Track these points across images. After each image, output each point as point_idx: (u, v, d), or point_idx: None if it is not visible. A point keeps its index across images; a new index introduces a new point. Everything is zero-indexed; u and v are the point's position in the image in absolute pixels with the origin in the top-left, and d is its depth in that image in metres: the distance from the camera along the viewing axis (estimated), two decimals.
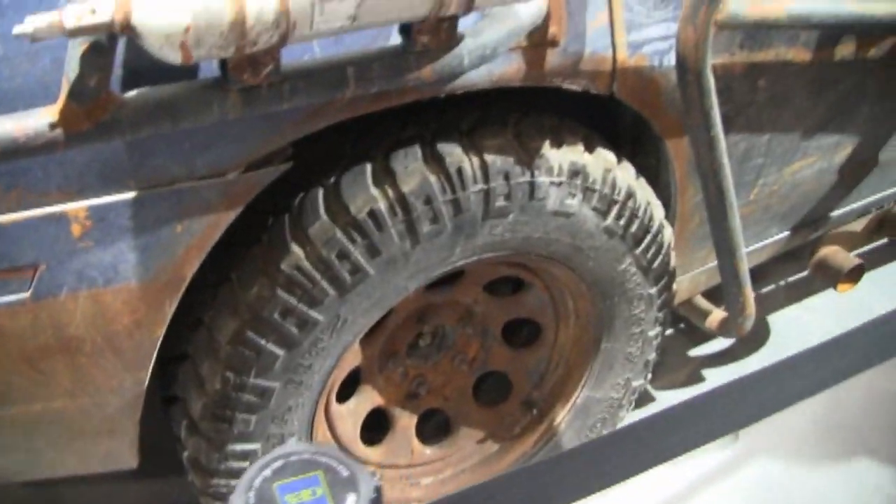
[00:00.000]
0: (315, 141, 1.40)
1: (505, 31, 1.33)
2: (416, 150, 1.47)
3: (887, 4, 1.65)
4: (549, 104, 1.62)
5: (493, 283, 1.80)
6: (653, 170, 1.77)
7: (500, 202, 1.51)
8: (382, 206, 1.45)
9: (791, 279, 2.54)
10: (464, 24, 1.28)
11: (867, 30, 1.74)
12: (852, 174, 2.05)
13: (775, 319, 2.44)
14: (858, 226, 2.27)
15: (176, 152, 1.28)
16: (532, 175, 1.52)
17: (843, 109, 1.88)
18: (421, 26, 1.23)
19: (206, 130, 1.27)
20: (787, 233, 2.08)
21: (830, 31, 1.73)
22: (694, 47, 1.44)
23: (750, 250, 2.01)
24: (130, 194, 1.28)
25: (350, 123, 1.40)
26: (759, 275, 2.40)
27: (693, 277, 1.97)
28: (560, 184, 1.55)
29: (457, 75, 1.32)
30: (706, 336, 2.33)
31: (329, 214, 1.45)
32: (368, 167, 1.47)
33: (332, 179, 1.47)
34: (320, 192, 1.47)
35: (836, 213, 2.13)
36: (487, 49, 1.31)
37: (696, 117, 1.52)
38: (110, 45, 1.08)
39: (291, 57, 1.21)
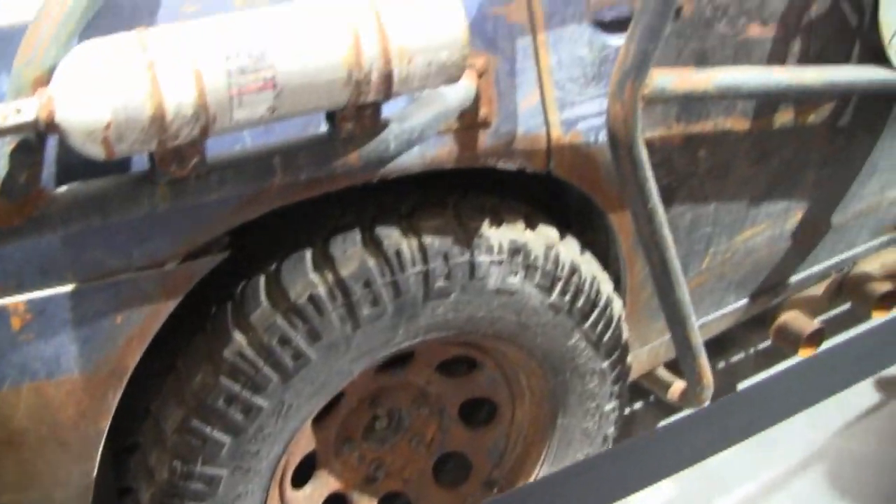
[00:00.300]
0: (258, 228, 1.43)
1: (432, 114, 1.36)
2: (356, 235, 1.50)
3: (817, 72, 1.68)
4: (496, 181, 1.65)
5: (448, 363, 1.81)
6: (602, 243, 1.80)
7: (441, 283, 1.53)
8: (322, 290, 1.47)
9: (759, 347, 2.55)
10: (392, 108, 1.31)
11: (801, 97, 1.78)
12: (806, 239, 2.07)
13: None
14: (819, 290, 2.29)
15: (113, 244, 1.31)
16: (472, 255, 1.54)
17: (788, 176, 1.91)
18: (344, 113, 1.27)
19: (141, 222, 1.30)
20: (745, 300, 2.10)
21: (767, 100, 1.77)
22: (623, 122, 1.48)
23: (709, 319, 2.03)
24: (69, 287, 1.30)
25: (292, 210, 1.43)
26: (726, 343, 2.42)
27: (651, 349, 1.98)
28: (501, 262, 1.57)
29: (384, 160, 1.35)
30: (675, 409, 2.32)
31: (270, 301, 1.47)
32: (309, 253, 1.49)
33: (274, 266, 1.50)
34: (262, 279, 1.49)
35: (794, 278, 2.15)
36: (414, 133, 1.34)
37: (631, 191, 1.55)
38: (39, 142, 1.12)
39: (223, 147, 1.24)
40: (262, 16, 1.18)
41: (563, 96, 1.53)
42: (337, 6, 1.20)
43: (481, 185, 1.66)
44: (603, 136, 1.58)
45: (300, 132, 1.34)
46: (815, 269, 2.19)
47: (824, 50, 1.80)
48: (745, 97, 1.69)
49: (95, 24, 1.16)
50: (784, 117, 1.82)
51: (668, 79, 1.51)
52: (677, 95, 1.53)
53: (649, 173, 1.54)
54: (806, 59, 1.78)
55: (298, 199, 1.40)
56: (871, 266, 2.23)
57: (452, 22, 1.23)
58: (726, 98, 1.66)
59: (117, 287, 1.34)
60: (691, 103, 1.67)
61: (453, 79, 1.27)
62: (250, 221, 1.39)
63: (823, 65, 1.77)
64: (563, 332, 1.70)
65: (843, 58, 1.83)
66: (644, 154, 1.52)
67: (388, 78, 1.22)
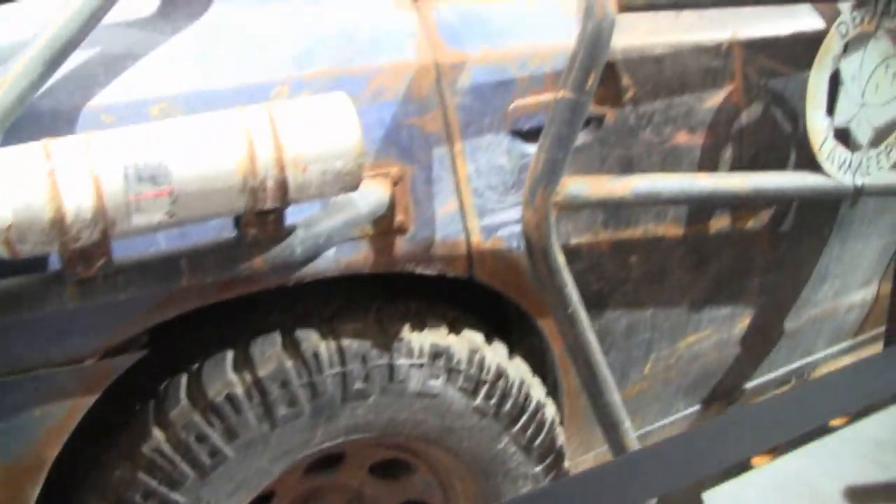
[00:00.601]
0: (189, 328, 1.49)
1: (340, 221, 1.42)
2: (276, 337, 1.54)
3: (743, 178, 1.72)
4: (437, 285, 1.69)
5: (384, 465, 1.82)
6: (538, 348, 1.82)
7: (359, 385, 1.56)
8: (239, 390, 1.51)
9: None
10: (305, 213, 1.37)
11: (735, 203, 1.81)
12: (758, 345, 2.08)
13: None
14: None
15: (32, 341, 1.36)
16: (391, 357, 1.58)
17: (730, 282, 1.93)
18: (246, 219, 1.32)
19: (59, 319, 1.35)
20: (697, 407, 2.10)
21: (700, 206, 1.81)
22: (536, 229, 1.52)
23: (657, 426, 2.03)
24: None
25: (220, 310, 1.49)
26: None
27: (597, 456, 1.99)
28: (421, 365, 1.60)
29: (291, 265, 1.40)
30: None
31: (189, 399, 1.51)
32: (230, 353, 1.54)
33: (197, 365, 1.54)
34: (184, 378, 1.54)
35: (749, 384, 2.15)
36: (321, 238, 1.40)
37: (550, 296, 1.59)
38: None
39: (136, 249, 1.30)
40: (162, 126, 1.25)
41: (483, 203, 1.58)
42: (234, 116, 1.26)
43: (420, 287, 1.69)
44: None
45: (216, 235, 1.40)
46: (772, 375, 2.19)
47: (758, 157, 1.84)
48: (667, 204, 1.72)
49: (16, 130, 1.23)
50: (721, 223, 1.86)
51: (581, 186, 1.55)
52: (592, 202, 1.58)
53: (568, 279, 1.58)
54: (739, 165, 1.82)
55: (214, 300, 1.45)
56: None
57: (347, 132, 1.29)
58: (645, 205, 1.70)
59: (36, 382, 1.39)
60: (620, 210, 1.71)
61: (351, 187, 1.33)
62: (181, 320, 1.44)
63: (757, 171, 1.80)
64: (490, 436, 1.72)
65: (779, 164, 1.87)
66: (560, 260, 1.56)
67: (283, 186, 1.28)
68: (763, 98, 1.81)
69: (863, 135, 1.85)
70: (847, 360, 2.28)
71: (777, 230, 1.95)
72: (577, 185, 1.55)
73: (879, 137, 1.87)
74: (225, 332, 1.58)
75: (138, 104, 1.34)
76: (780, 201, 1.89)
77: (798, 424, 1.71)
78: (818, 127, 1.78)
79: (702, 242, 1.85)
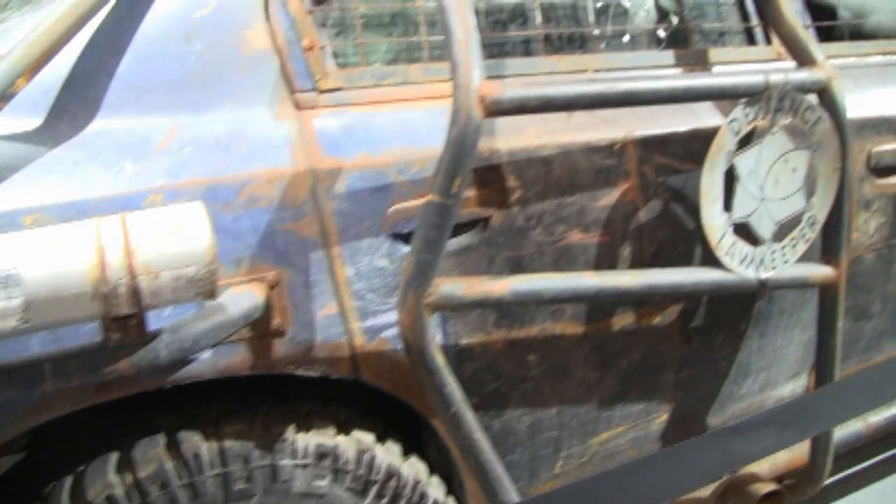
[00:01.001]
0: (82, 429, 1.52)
1: (209, 325, 1.45)
2: (159, 438, 1.57)
3: (633, 275, 1.74)
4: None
5: None
6: (444, 446, 1.83)
7: (241, 485, 1.58)
8: (119, 491, 1.53)
9: None
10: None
11: (632, 300, 1.83)
12: (679, 441, 2.06)
13: None
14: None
15: None
16: (274, 458, 1.60)
17: (642, 378, 1.94)
18: (107, 324, 1.37)
19: None
20: None
21: (600, 304, 1.82)
22: (410, 331, 1.55)
23: None
24: None
25: (108, 412, 1.53)
26: None
27: None
28: (306, 465, 1.62)
29: (157, 369, 1.43)
30: None
31: (71, 500, 1.54)
32: (115, 455, 1.57)
33: (82, 467, 1.57)
34: (69, 480, 1.57)
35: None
36: (187, 343, 1.43)
37: (432, 397, 1.61)
38: None
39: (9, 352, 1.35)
40: (17, 235, 1.30)
41: (364, 306, 1.61)
42: (87, 224, 1.32)
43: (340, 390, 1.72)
44: None
45: (88, 340, 1.44)
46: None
47: (660, 254, 1.86)
48: (551, 303, 1.74)
49: None
50: (625, 320, 1.87)
51: (456, 287, 1.58)
52: (467, 303, 1.60)
53: (448, 379, 1.60)
54: (640, 263, 1.84)
55: (90, 403, 1.48)
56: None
57: (198, 239, 1.33)
58: (527, 304, 1.72)
59: None
60: (511, 309, 1.73)
61: (207, 293, 1.37)
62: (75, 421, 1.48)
63: (654, 269, 1.82)
64: None
65: (684, 261, 1.88)
66: (439, 361, 1.58)
67: (135, 292, 1.32)
68: (661, 195, 1.83)
69: (765, 229, 1.86)
70: (780, 454, 2.25)
71: (688, 325, 1.95)
72: (451, 287, 1.58)
73: (783, 232, 1.88)
74: (114, 434, 1.61)
75: (11, 214, 1.40)
76: (678, 298, 1.90)
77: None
78: (715, 223, 1.80)
79: (606, 339, 1.86)
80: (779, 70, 1.82)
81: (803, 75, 1.84)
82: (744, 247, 1.84)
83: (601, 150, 1.76)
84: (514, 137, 1.69)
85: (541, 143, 1.71)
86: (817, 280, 1.96)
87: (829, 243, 1.97)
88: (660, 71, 1.89)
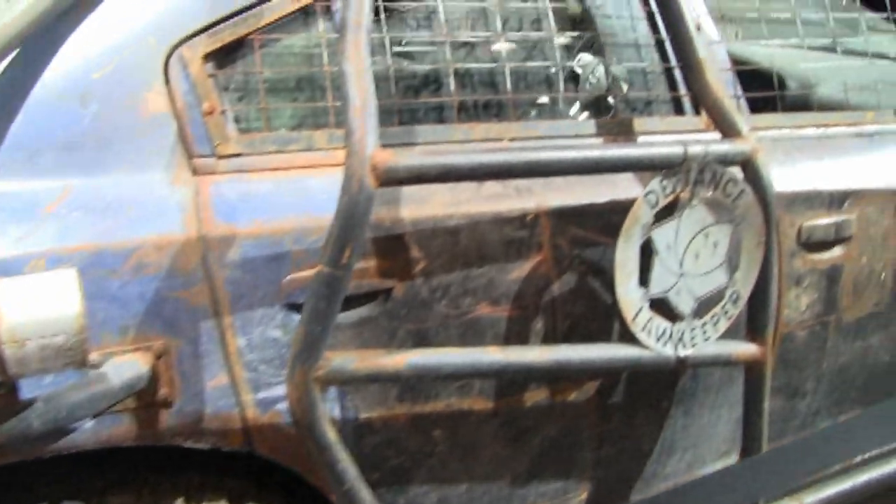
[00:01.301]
0: None
1: (87, 395, 1.42)
2: None
3: (541, 351, 1.71)
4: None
5: None
6: None
7: None
8: None
9: None
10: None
11: (539, 377, 1.80)
12: None
13: None
14: None
15: None
16: None
17: (558, 455, 1.90)
18: None
19: None
20: None
21: (510, 379, 1.79)
22: (298, 405, 1.52)
23: None
24: None
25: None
26: None
27: None
28: None
29: (30, 438, 1.40)
30: None
31: None
32: None
33: None
34: None
35: None
36: (62, 412, 1.40)
37: (324, 473, 1.57)
38: None
39: None
40: None
41: (257, 377, 1.58)
42: None
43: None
44: None
45: None
46: None
47: (576, 329, 1.83)
48: (453, 379, 1.71)
49: None
50: (537, 396, 1.84)
51: (347, 360, 1.55)
52: (360, 377, 1.57)
53: (341, 455, 1.56)
54: (552, 338, 1.81)
55: None
56: None
57: (67, 308, 1.30)
58: (425, 379, 1.68)
59: None
60: (417, 383, 1.70)
61: (77, 363, 1.34)
62: None
63: (568, 345, 1.79)
64: None
65: (600, 336, 1.85)
66: (331, 436, 1.55)
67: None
68: (576, 268, 1.81)
69: (684, 305, 1.83)
70: None
71: (607, 401, 1.92)
72: (343, 360, 1.55)
73: (704, 308, 1.85)
74: None
75: None
76: (591, 375, 1.86)
77: None
78: (630, 298, 1.77)
79: (518, 415, 1.82)
80: (700, 141, 1.80)
81: (725, 147, 1.82)
82: (661, 323, 1.81)
83: (512, 220, 1.74)
84: (419, 207, 1.67)
85: (447, 213, 1.69)
86: (741, 358, 1.93)
87: (754, 320, 1.94)
88: (579, 140, 1.87)
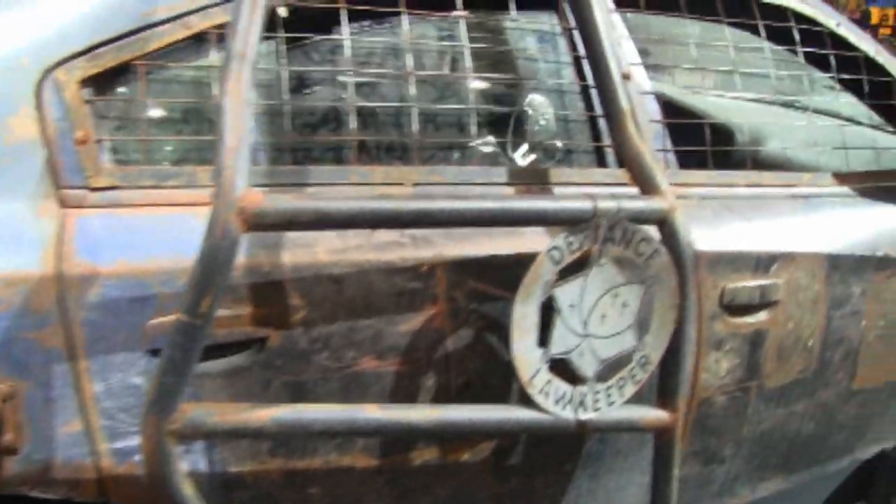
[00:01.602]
0: None
1: None
2: None
3: (425, 410, 1.63)
4: None
5: None
6: None
7: None
8: None
9: None
10: None
11: (408, 437, 1.72)
12: None
13: None
14: None
15: None
16: None
17: None
18: None
19: None
20: None
21: (396, 436, 1.71)
22: (151, 457, 1.44)
23: None
24: None
25: None
26: None
27: None
28: None
29: None
30: None
31: None
32: None
33: None
34: None
35: None
36: None
37: None
38: None
39: None
40: None
41: (114, 426, 1.50)
42: None
43: None
44: None
45: None
46: None
47: (470, 387, 1.75)
48: (325, 436, 1.63)
49: None
50: (427, 454, 1.76)
51: (206, 414, 1.47)
52: (219, 432, 1.49)
53: None
54: (445, 396, 1.73)
55: None
56: None
57: None
58: (294, 436, 1.60)
59: None
60: (293, 439, 1.62)
61: None
62: None
63: (456, 404, 1.71)
64: None
65: (498, 396, 1.77)
66: (186, 492, 1.47)
67: None
68: (474, 323, 1.73)
69: (587, 368, 1.75)
70: None
71: (504, 462, 1.84)
72: (201, 413, 1.47)
73: (610, 371, 1.77)
74: None
75: None
76: (481, 437, 1.78)
77: None
78: (527, 358, 1.69)
79: (404, 474, 1.74)
80: (612, 196, 1.72)
81: (640, 204, 1.74)
82: (561, 385, 1.73)
83: (405, 271, 1.66)
84: (302, 252, 1.59)
85: (333, 260, 1.61)
86: (649, 424, 1.84)
87: (665, 386, 1.85)
88: (487, 188, 1.80)
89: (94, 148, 1.53)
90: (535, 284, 1.67)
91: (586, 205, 1.67)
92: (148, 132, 1.61)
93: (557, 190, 1.88)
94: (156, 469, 1.45)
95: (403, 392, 1.70)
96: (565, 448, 1.92)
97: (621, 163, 1.92)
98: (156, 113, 1.62)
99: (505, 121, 1.92)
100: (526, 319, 1.68)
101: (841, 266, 2.18)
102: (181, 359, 1.41)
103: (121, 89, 1.59)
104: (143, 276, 1.49)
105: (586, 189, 1.91)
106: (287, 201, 1.45)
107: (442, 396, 1.73)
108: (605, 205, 1.68)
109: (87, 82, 1.54)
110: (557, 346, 1.73)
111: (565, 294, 1.72)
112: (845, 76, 2.46)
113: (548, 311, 1.70)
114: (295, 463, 1.64)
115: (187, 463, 1.56)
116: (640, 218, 1.73)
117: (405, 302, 1.67)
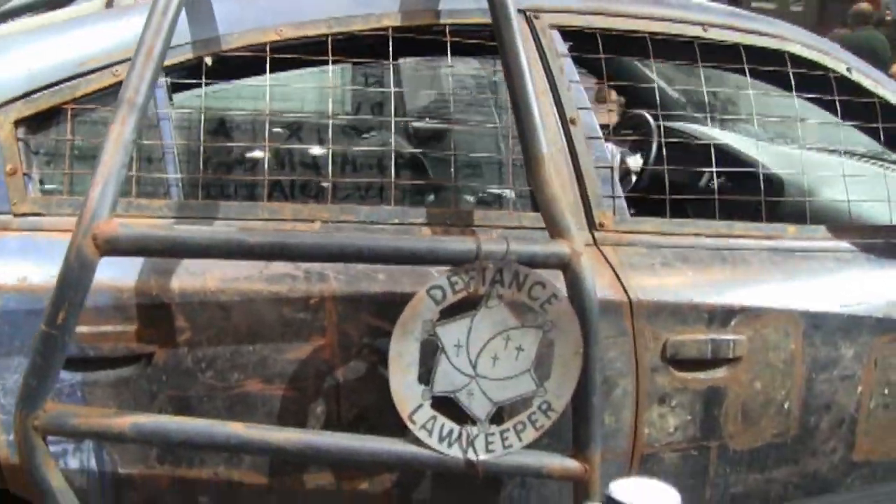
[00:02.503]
0: None
1: None
2: None
3: (292, 434, 1.76)
4: None
5: None
6: None
7: None
8: None
9: None
10: None
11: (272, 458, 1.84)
12: None
13: None
14: None
15: None
16: None
17: None
18: None
19: None
20: None
21: (284, 459, 1.85)
22: (20, 448, 1.67)
23: None
24: None
25: None
26: None
27: None
28: None
29: None
30: None
31: None
32: None
33: None
34: None
35: None
36: None
37: None
38: None
39: None
40: None
41: (10, 420, 1.75)
42: None
43: None
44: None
45: None
46: None
47: (364, 418, 1.86)
48: (185, 447, 1.79)
49: None
50: (321, 479, 1.88)
51: (68, 414, 1.69)
52: (80, 432, 1.70)
53: (65, 500, 1.70)
54: (337, 424, 1.86)
55: None
56: None
57: None
58: (156, 445, 1.78)
59: None
60: (178, 448, 1.81)
61: None
62: None
63: (324, 431, 1.83)
64: None
65: (393, 429, 1.87)
66: (51, 482, 1.69)
67: None
68: (366, 357, 1.85)
69: (478, 408, 1.82)
70: None
71: (407, 496, 1.92)
72: (63, 414, 1.69)
73: (507, 414, 1.83)
74: None
75: None
76: (357, 466, 1.88)
77: None
78: (407, 393, 1.79)
79: (298, 497, 1.88)
80: (501, 239, 1.79)
81: (533, 248, 1.79)
82: (447, 423, 1.80)
83: (293, 302, 1.82)
84: (191, 279, 1.79)
85: (219, 288, 1.79)
86: (557, 473, 1.87)
87: (576, 435, 1.87)
88: (397, 228, 1.92)
89: (20, 179, 1.81)
90: (413, 321, 1.77)
91: (469, 245, 1.75)
92: (71, 167, 1.87)
93: (478, 232, 1.96)
94: (24, 459, 1.69)
95: (292, 417, 1.84)
96: (482, 491, 1.97)
97: (534, 206, 1.98)
98: (82, 150, 1.89)
99: (426, 163, 2.03)
100: (404, 357, 1.78)
101: (824, 326, 2.09)
102: (41, 364, 1.64)
103: (51, 129, 1.87)
104: (39, 291, 1.75)
105: (511, 232, 1.97)
106: (138, 230, 1.66)
107: (332, 425, 1.86)
108: (489, 247, 1.75)
109: (20, 122, 1.83)
110: (441, 384, 1.81)
111: (450, 333, 1.80)
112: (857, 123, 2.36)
113: (434, 350, 1.79)
114: (183, 472, 1.83)
115: (77, 460, 1.79)
116: (536, 262, 1.78)
117: (292, 332, 1.82)
